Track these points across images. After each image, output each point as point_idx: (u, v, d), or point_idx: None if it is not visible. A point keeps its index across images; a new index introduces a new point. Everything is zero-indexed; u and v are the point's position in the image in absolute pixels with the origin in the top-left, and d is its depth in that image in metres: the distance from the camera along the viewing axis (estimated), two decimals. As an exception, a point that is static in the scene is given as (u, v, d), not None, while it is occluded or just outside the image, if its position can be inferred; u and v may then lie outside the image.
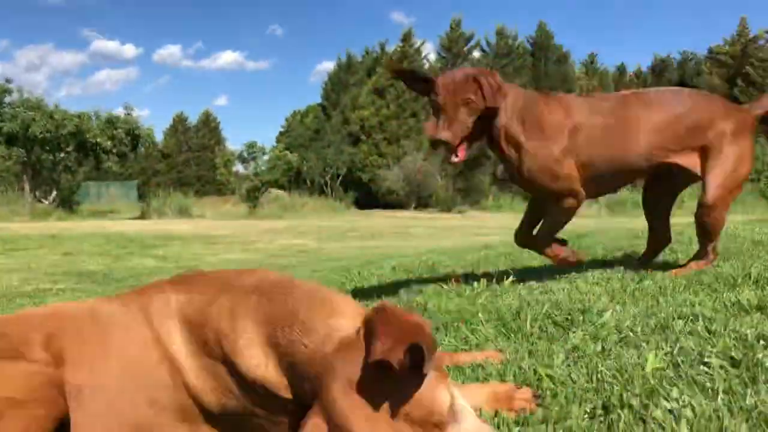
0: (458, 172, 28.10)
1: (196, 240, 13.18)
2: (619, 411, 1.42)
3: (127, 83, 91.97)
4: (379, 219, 22.01)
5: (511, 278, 3.31)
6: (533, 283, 3.25)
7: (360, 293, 3.74)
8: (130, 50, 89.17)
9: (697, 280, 2.95)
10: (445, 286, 3.28)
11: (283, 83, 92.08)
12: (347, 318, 1.26)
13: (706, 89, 30.64)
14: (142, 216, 24.12)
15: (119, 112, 25.64)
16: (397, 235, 13.81)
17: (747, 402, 1.41)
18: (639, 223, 4.91)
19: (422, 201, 28.47)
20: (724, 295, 2.54)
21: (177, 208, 25.63)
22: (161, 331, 1.40)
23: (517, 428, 1.41)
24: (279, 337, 1.27)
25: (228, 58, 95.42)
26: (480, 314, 2.51)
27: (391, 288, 3.83)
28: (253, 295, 1.37)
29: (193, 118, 45.30)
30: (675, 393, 1.49)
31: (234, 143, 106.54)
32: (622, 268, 3.51)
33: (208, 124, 45.09)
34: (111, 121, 24.76)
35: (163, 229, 15.84)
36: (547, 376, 1.70)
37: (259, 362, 1.29)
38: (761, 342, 1.84)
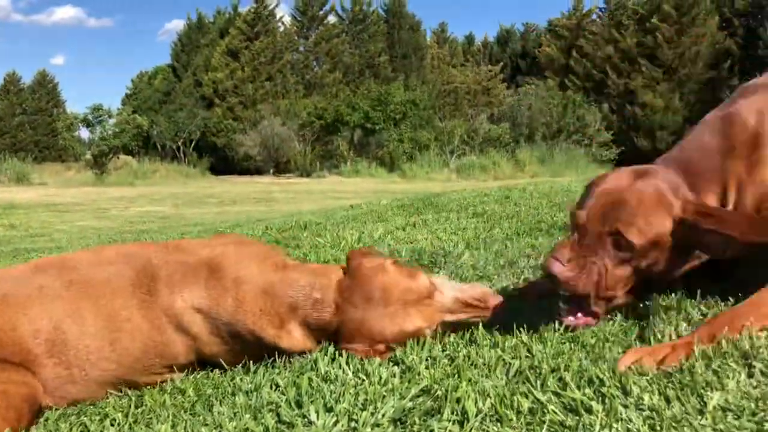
0: (315, 137, 28.21)
1: (42, 208, 12.50)
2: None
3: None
4: (237, 185, 21.78)
5: (380, 232, 3.64)
6: (400, 234, 3.61)
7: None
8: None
9: (537, 228, 3.44)
10: (320, 240, 3.54)
11: (129, 42, 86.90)
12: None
13: (545, 60, 32.37)
14: (-27, 184, 22.26)
15: (-60, 69, 23.24)
16: (258, 201, 13.82)
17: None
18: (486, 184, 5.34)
19: (280, 167, 28.26)
20: (558, 237, 3.02)
21: (14, 175, 23.89)
22: None
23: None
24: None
25: (66, 13, 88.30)
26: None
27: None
28: None
29: (26, 78, 41.77)
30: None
31: (74, 106, 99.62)
32: (474, 221, 3.95)
33: (45, 85, 41.71)
34: (-69, 80, 22.40)
35: (1, 198, 14.78)
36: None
37: None
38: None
